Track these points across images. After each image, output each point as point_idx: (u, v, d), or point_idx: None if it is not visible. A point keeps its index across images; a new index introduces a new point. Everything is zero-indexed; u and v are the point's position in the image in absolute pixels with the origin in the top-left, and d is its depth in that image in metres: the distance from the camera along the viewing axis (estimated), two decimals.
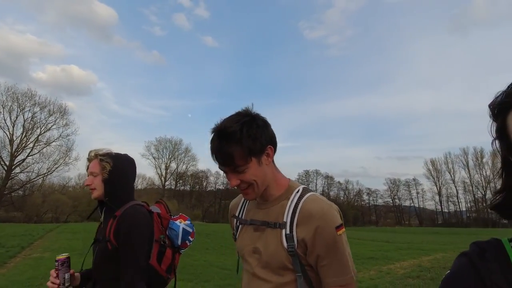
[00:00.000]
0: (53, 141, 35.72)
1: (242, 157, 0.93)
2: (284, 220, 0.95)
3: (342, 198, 68.30)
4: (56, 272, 1.35)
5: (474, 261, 0.54)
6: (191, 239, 1.56)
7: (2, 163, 32.71)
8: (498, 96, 0.54)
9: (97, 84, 76.69)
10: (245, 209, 1.13)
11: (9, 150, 33.18)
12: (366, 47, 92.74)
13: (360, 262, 8.75)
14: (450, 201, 61.05)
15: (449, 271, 0.58)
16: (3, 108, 32.82)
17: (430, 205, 64.59)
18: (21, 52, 61.23)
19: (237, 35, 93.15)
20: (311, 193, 0.99)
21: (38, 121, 34.81)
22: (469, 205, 58.61)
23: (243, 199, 1.17)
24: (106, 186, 1.45)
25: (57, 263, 1.36)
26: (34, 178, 35.20)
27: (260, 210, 1.05)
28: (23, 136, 34.04)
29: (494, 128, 0.55)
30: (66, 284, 1.36)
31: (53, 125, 35.52)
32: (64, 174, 37.80)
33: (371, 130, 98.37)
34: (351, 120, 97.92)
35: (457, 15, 79.22)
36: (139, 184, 57.95)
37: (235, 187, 0.98)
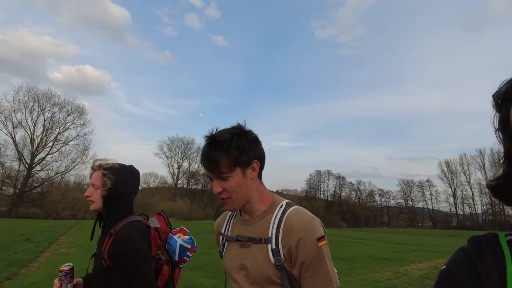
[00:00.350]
0: (71, 140, 36.97)
1: (227, 165, 0.98)
2: (269, 235, 0.97)
3: (354, 198, 67.86)
4: (60, 282, 1.40)
5: (471, 256, 0.54)
6: (190, 255, 1.54)
7: (23, 161, 34.00)
8: (502, 86, 0.52)
9: (110, 83, 78.96)
10: (230, 226, 1.14)
11: (30, 148, 34.47)
12: (378, 46, 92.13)
13: (375, 263, 8.88)
14: (465, 203, 59.86)
15: (445, 266, 0.58)
16: (25, 108, 34.18)
17: (444, 207, 63.55)
18: (39, 53, 64.00)
19: (248, 34, 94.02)
20: (294, 207, 1.01)
21: (57, 120, 36.12)
22: (485, 207, 57.35)
23: (228, 216, 1.19)
24: (104, 202, 1.45)
25: (61, 274, 1.40)
26: (53, 176, 36.47)
27: (245, 226, 1.06)
28: (43, 135, 35.30)
29: (497, 119, 0.53)
30: None
31: (71, 124, 36.75)
32: (80, 172, 38.82)
33: (383, 130, 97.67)
34: (362, 120, 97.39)
35: (472, 12, 77.91)
36: (151, 182, 59.28)
37: (217, 195, 1.01)
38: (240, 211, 1.11)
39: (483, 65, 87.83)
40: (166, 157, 57.51)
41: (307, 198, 61.71)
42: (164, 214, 1.63)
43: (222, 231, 1.16)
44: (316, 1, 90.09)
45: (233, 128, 1.04)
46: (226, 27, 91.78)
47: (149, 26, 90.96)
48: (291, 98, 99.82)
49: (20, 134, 34.31)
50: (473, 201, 58.25)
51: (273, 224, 0.97)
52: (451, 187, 60.24)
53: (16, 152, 33.68)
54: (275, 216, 0.99)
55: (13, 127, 33.69)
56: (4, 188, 34.86)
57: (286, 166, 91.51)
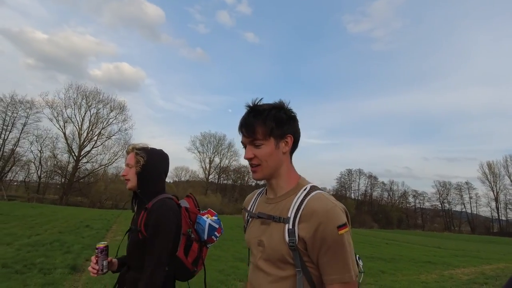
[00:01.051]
0: (113, 135, 39.42)
1: (263, 133, 1.02)
2: (288, 215, 0.98)
3: (385, 199, 65.90)
4: (96, 258, 1.48)
5: None
6: (217, 234, 1.60)
7: (72, 153, 36.89)
8: None
9: (145, 80, 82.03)
10: (256, 204, 1.18)
11: (78, 142, 37.29)
12: (415, 40, 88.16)
13: (418, 266, 8.95)
14: (509, 208, 55.90)
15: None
16: (74, 104, 36.99)
17: (484, 211, 59.83)
18: (81, 52, 68.05)
19: (279, 30, 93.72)
20: (318, 191, 1.00)
21: (101, 116, 38.66)
22: None
23: (256, 194, 1.24)
24: (139, 179, 1.53)
25: (97, 251, 1.48)
26: (97, 168, 39.21)
27: (268, 204, 1.09)
28: (89, 129, 38.00)
29: None
30: (104, 270, 1.50)
31: (114, 120, 39.18)
32: (121, 165, 41.31)
33: (418, 128, 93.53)
34: (396, 118, 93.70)
35: None
36: (182, 176, 61.61)
37: (248, 161, 1.05)
38: (266, 190, 1.16)
39: None
40: (199, 152, 59.47)
41: (337, 197, 60.82)
42: (193, 196, 1.69)
43: (248, 208, 1.21)
44: None
45: (274, 102, 1.08)
46: (257, 24, 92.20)
47: (182, 24, 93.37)
48: (322, 94, 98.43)
49: (69, 128, 37.27)
50: None
51: (294, 206, 0.98)
52: (493, 191, 56.65)
53: (66, 145, 36.68)
54: (297, 198, 1.00)
55: (64, 122, 36.68)
56: (55, 178, 38.15)
57: (315, 164, 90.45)
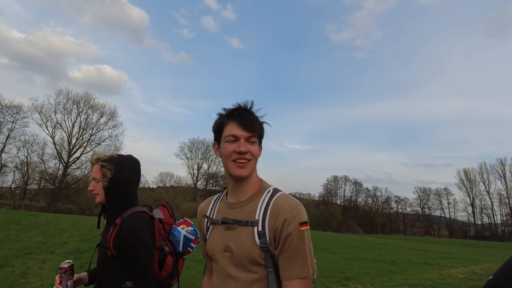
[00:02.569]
0: (103, 141, 39.00)
1: (258, 133, 1.07)
2: (256, 218, 0.99)
3: (370, 204, 68.12)
4: (60, 279, 1.41)
5: None
6: (193, 246, 1.55)
7: (61, 160, 36.26)
8: None
9: (127, 83, 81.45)
10: (215, 210, 1.15)
11: (67, 148, 36.69)
12: (395, 50, 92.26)
13: (417, 267, 9.97)
14: (484, 213, 59.30)
15: (492, 277, 0.57)
16: (64, 109, 36.46)
17: (461, 216, 63.09)
18: (60, 53, 67.03)
19: (263, 37, 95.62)
20: (282, 192, 1.04)
21: (91, 122, 38.24)
22: (504, 218, 56.72)
23: (213, 200, 1.20)
24: (106, 193, 1.45)
25: (61, 271, 1.42)
26: (87, 175, 38.59)
27: (231, 209, 1.07)
28: (79, 135, 37.51)
29: None
30: None
31: (104, 126, 38.83)
32: None
33: (397, 135, 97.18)
34: (376, 125, 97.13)
35: (494, 17, 77.13)
36: (167, 182, 61.40)
37: (239, 154, 1.02)
38: (226, 196, 1.14)
39: (505, 71, 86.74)
40: (187, 158, 59.51)
41: (324, 203, 62.54)
42: (168, 205, 1.64)
43: (208, 214, 1.17)
44: (332, 5, 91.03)
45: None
46: (242, 30, 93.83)
47: (166, 28, 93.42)
48: (305, 100, 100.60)
49: (58, 134, 36.64)
50: (492, 211, 57.81)
51: (261, 208, 1.00)
52: (469, 196, 59.92)
53: (55, 151, 36.03)
54: (263, 200, 1.02)
55: (53, 128, 36.05)
56: (43, 184, 37.29)
57: (298, 169, 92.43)
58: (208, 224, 1.15)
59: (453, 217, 64.07)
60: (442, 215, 64.77)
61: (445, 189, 64.93)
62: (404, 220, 68.55)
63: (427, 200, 65.69)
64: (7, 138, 33.83)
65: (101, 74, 76.67)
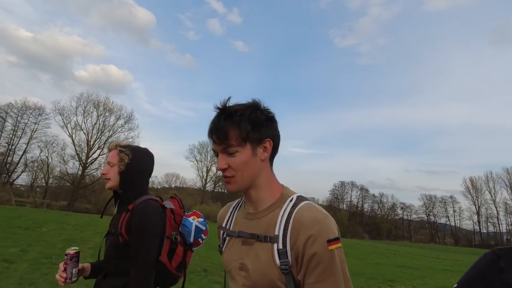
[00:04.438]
0: None
1: (237, 138, 0.84)
2: (276, 233, 0.81)
3: (376, 210, 68.77)
4: (65, 266, 1.35)
5: (486, 273, 0.49)
6: (204, 237, 1.53)
7: (80, 160, 37.47)
8: None
9: (132, 83, 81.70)
10: (233, 219, 0.98)
11: (86, 150, 37.92)
12: (399, 56, 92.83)
13: (441, 272, 10.88)
14: (490, 222, 59.80)
15: (456, 285, 0.55)
16: (84, 112, 37.73)
17: (467, 224, 63.47)
18: (67, 52, 67.55)
19: (268, 40, 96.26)
20: (306, 201, 0.84)
21: (109, 124, 39.46)
22: (510, 227, 57.17)
23: (231, 208, 1.03)
24: (121, 178, 1.44)
25: (66, 257, 1.35)
26: None
27: (249, 221, 0.90)
28: (97, 137, 38.74)
29: None
30: (73, 279, 1.36)
31: (121, 128, 40.05)
32: None
33: (401, 141, 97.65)
34: (379, 130, 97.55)
35: (499, 26, 77.87)
36: (172, 183, 62.52)
37: (221, 172, 0.87)
38: (245, 204, 0.96)
39: (510, 80, 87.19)
40: (196, 160, 60.61)
41: (331, 208, 63.24)
42: (178, 198, 1.63)
43: (224, 225, 1.01)
44: (337, 11, 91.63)
45: (248, 102, 0.90)
46: (247, 33, 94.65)
47: (172, 29, 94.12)
48: (308, 105, 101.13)
49: (78, 135, 37.87)
50: (498, 220, 58.28)
51: (281, 220, 0.82)
52: (475, 205, 60.38)
53: (75, 152, 37.24)
54: (284, 211, 0.83)
55: (72, 129, 37.31)
56: (63, 183, 38.47)
57: (299, 173, 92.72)
58: (225, 235, 0.99)
59: (458, 225, 64.60)
60: (447, 222, 65.31)
61: (451, 197, 65.49)
62: (410, 226, 69.11)
63: (433, 208, 66.29)
64: (30, 139, 35.22)
65: (106, 74, 77.35)
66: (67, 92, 68.40)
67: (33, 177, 38.57)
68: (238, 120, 0.85)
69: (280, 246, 0.80)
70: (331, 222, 0.80)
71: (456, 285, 0.53)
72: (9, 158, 35.87)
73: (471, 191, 60.59)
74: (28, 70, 60.69)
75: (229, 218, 1.01)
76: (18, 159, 35.66)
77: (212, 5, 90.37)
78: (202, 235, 1.54)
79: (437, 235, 66.17)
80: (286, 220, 0.82)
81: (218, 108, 0.89)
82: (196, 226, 1.51)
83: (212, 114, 0.90)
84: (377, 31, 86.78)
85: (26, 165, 35.94)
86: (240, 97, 0.92)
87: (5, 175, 35.44)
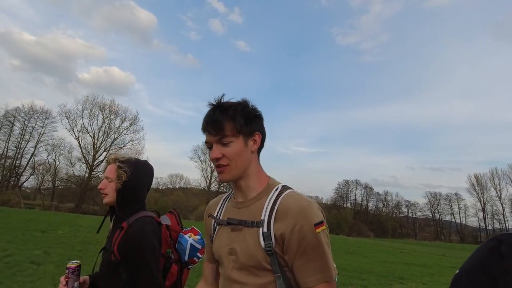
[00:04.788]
0: (124, 145, 40.56)
1: (232, 130, 0.94)
2: (262, 218, 0.91)
3: (380, 209, 68.76)
4: (66, 279, 1.35)
5: (486, 259, 0.48)
6: (199, 255, 1.50)
7: (87, 163, 37.90)
8: None
9: (134, 85, 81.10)
10: (223, 210, 1.07)
11: (92, 152, 38.34)
12: (402, 53, 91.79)
13: (448, 270, 10.98)
14: (495, 218, 59.53)
15: (458, 271, 0.54)
16: (90, 115, 38.12)
17: (472, 221, 63.23)
18: (70, 54, 67.93)
19: (269, 40, 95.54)
20: (291, 190, 0.95)
21: (114, 127, 39.85)
22: None
23: (222, 200, 1.13)
24: (118, 195, 1.43)
25: (67, 271, 1.36)
26: None
27: (238, 209, 1.00)
28: (103, 139, 39.15)
29: None
30: None
31: (127, 130, 40.42)
32: None
33: (404, 139, 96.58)
34: (382, 128, 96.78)
35: (503, 20, 77.07)
36: (177, 183, 62.89)
37: (214, 161, 0.96)
38: (234, 195, 1.06)
39: None
40: (201, 161, 60.95)
41: (336, 207, 63.40)
42: (176, 212, 1.61)
43: (214, 214, 1.10)
44: (339, 9, 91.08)
45: (237, 101, 1.02)
46: (248, 33, 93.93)
47: (174, 30, 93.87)
48: (311, 104, 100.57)
49: (84, 138, 38.30)
50: (503, 217, 58.02)
51: (267, 207, 0.92)
52: (480, 202, 60.13)
53: (81, 155, 37.67)
54: (270, 199, 0.94)
55: (78, 132, 37.75)
56: (70, 185, 38.95)
57: (303, 172, 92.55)
58: (215, 225, 1.08)
59: (463, 222, 64.44)
60: (453, 220, 65.14)
61: (456, 194, 65.30)
62: (415, 224, 69.02)
63: (438, 205, 66.13)
64: (37, 142, 35.69)
65: (109, 76, 76.98)
66: (71, 94, 69.02)
67: (41, 180, 39.06)
68: (232, 114, 0.96)
69: (265, 230, 0.90)
70: (315, 206, 0.90)
71: (457, 271, 0.53)
72: (17, 162, 36.42)
73: (476, 188, 60.37)
74: (32, 73, 61.30)
75: (219, 209, 1.10)
76: (26, 162, 36.19)
77: (213, 5, 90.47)
78: (198, 253, 1.51)
79: (442, 232, 66.01)
80: (272, 206, 0.92)
81: (212, 104, 1.00)
82: (191, 244, 1.49)
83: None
84: (380, 28, 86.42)
85: (34, 168, 36.43)
86: (240, 97, 1.03)
87: (14, 178, 35.98)
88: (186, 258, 1.48)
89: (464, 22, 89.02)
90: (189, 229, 1.56)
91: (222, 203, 1.11)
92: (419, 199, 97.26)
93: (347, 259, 12.05)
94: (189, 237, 1.50)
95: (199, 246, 1.50)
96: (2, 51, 58.49)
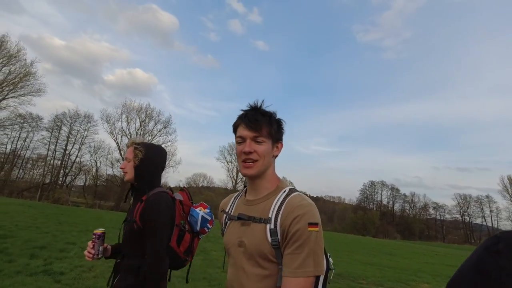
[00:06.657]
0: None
1: (266, 132, 1.08)
2: (269, 216, 1.01)
3: (407, 210, 67.61)
4: (93, 244, 1.54)
5: (482, 259, 0.47)
6: (209, 226, 1.67)
7: None
8: None
9: (156, 86, 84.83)
10: (234, 206, 1.19)
11: None
12: (426, 49, 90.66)
13: None
14: None
15: (455, 274, 0.53)
16: (128, 118, 40.54)
17: (505, 225, 60.84)
18: (97, 58, 72.23)
19: (288, 39, 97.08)
20: (297, 192, 1.05)
21: (148, 129, 42.04)
22: None
23: (233, 197, 1.26)
24: (136, 172, 1.60)
25: (94, 236, 1.55)
26: None
27: (248, 206, 1.11)
28: None
29: None
30: (100, 255, 1.57)
31: (159, 132, 42.52)
32: (165, 174, 44.42)
33: (429, 137, 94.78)
34: (406, 127, 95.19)
35: None
36: (200, 182, 64.61)
37: (244, 154, 1.06)
38: (245, 193, 1.18)
39: None
40: (227, 161, 62.46)
41: (361, 208, 63.05)
42: (187, 190, 1.77)
43: (226, 210, 1.23)
44: (359, 6, 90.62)
45: (269, 111, 1.15)
46: (267, 32, 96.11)
47: (194, 32, 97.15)
48: (331, 102, 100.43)
49: (123, 140, 40.76)
50: None
51: (275, 206, 1.02)
52: None
53: (120, 156, 40.10)
54: (278, 199, 1.04)
55: (116, 135, 40.25)
56: (109, 184, 41.65)
57: (322, 171, 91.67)
58: (226, 220, 1.20)
59: (496, 225, 62.19)
60: (484, 223, 63.06)
61: (487, 196, 63.18)
62: (443, 227, 67.35)
63: (468, 208, 64.20)
64: (81, 144, 38.49)
65: (133, 77, 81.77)
66: (97, 95, 71.91)
67: (84, 180, 41.98)
68: (269, 120, 1.10)
69: (272, 227, 1.00)
70: (314, 209, 0.99)
71: (455, 273, 0.53)
72: (64, 162, 39.39)
73: (509, 190, 58.12)
74: (61, 76, 65.00)
75: (231, 205, 1.23)
76: (71, 163, 39.11)
77: (232, 6, 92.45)
78: (208, 224, 1.68)
79: (472, 236, 63.99)
80: (279, 206, 1.02)
81: (253, 106, 1.13)
82: (202, 216, 1.66)
83: (235, 113, 1.15)
84: (402, 24, 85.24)
85: (80, 169, 39.27)
86: (262, 96, 1.18)
87: (62, 178, 39.00)
88: (198, 228, 1.66)
89: (494, 16, 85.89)
90: (198, 204, 1.74)
91: (233, 201, 1.25)
92: (446, 201, 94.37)
93: (391, 260, 12.72)
94: (200, 210, 1.68)
95: (209, 218, 1.69)
96: (36, 56, 62.36)
